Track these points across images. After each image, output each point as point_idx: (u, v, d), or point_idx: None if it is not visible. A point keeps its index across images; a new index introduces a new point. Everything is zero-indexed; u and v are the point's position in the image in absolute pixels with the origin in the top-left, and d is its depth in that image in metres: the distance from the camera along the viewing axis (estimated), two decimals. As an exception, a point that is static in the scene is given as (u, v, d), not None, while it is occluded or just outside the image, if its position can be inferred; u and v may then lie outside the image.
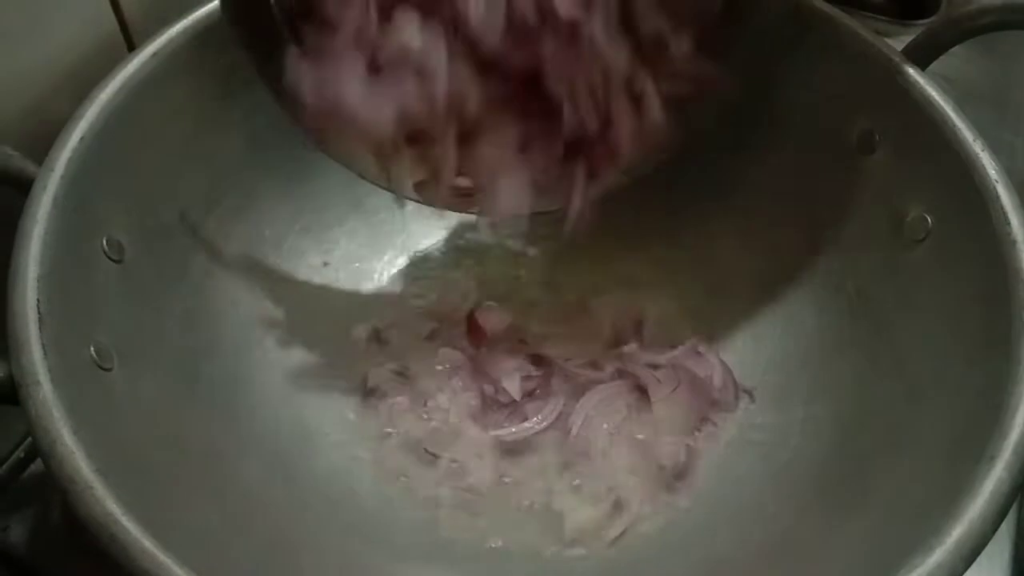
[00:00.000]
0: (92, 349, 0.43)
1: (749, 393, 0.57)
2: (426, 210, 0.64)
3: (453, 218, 0.66)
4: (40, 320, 0.40)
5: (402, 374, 0.59)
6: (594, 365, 0.58)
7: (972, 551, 0.37)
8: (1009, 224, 0.46)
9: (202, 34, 0.53)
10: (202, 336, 0.53)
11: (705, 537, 0.51)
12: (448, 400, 0.57)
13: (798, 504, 0.49)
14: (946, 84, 0.51)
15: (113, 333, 0.45)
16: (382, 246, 0.64)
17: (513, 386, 0.55)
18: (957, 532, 0.37)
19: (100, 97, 0.48)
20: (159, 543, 0.35)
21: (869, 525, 0.44)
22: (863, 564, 0.40)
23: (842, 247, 0.56)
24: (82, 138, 0.47)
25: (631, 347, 0.58)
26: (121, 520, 0.36)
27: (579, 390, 0.56)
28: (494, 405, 0.56)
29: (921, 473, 0.44)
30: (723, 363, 0.59)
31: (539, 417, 0.54)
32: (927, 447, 0.44)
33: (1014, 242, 0.45)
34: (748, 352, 0.60)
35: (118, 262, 0.48)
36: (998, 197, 0.46)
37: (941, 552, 0.37)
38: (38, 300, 0.41)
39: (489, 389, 0.57)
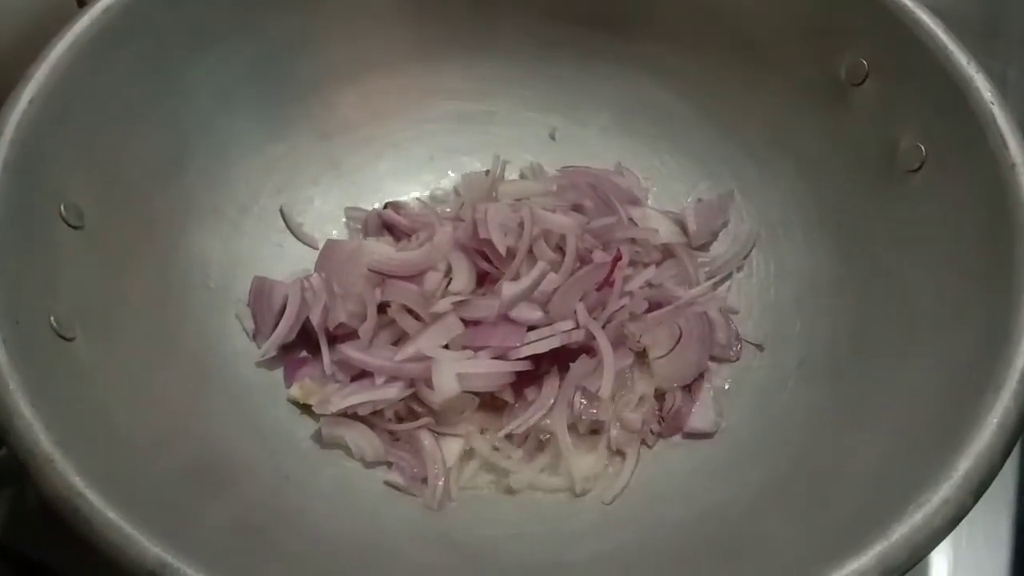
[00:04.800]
0: (52, 319, 0.42)
1: (759, 346, 0.56)
2: (401, 170, 0.64)
3: (428, 177, 0.64)
4: (-7, 290, 0.39)
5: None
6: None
7: (980, 484, 0.36)
8: (1007, 147, 0.44)
9: (158, -12, 0.51)
10: (171, 302, 0.52)
11: (703, 484, 0.50)
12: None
13: (796, 447, 0.48)
14: (937, 12, 0.50)
15: (75, 302, 0.44)
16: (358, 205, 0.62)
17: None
18: (964, 466, 0.36)
19: (50, 57, 0.46)
20: (124, 514, 0.34)
21: (872, 464, 0.42)
22: (868, 504, 0.39)
23: (833, 183, 0.55)
24: (32, 100, 0.45)
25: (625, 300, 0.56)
26: (84, 492, 0.34)
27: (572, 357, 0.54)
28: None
29: (923, 409, 0.42)
30: (726, 317, 0.57)
31: (538, 404, 0.53)
32: (929, 382, 0.43)
33: (1013, 165, 0.44)
34: (741, 297, 0.58)
35: (78, 228, 0.46)
36: (995, 119, 0.45)
37: (948, 486, 0.36)
38: (-10, 269, 0.39)
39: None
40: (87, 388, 0.42)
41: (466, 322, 0.53)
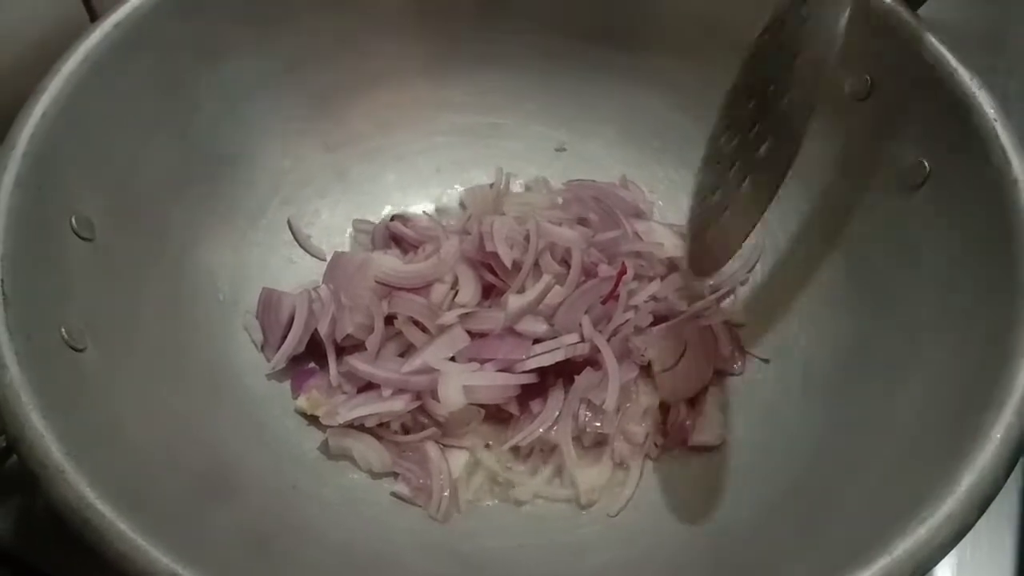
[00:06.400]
0: (63, 330, 0.42)
1: (764, 360, 0.56)
2: (408, 182, 0.64)
3: (435, 190, 0.65)
4: (5, 302, 0.39)
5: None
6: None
7: (984, 499, 0.36)
8: (1010, 163, 0.44)
9: (167, 3, 0.51)
10: (181, 313, 0.52)
11: (707, 496, 0.50)
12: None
13: (801, 462, 0.48)
14: (939, 27, 0.50)
15: (86, 313, 0.44)
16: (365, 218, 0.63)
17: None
18: (968, 480, 0.36)
19: (62, 70, 0.47)
20: (135, 525, 0.34)
21: (876, 478, 0.42)
22: (871, 519, 0.39)
23: (837, 197, 0.55)
24: (44, 113, 0.45)
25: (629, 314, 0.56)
26: (95, 504, 0.35)
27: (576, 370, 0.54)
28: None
29: (927, 423, 0.42)
30: (730, 330, 0.57)
31: (543, 417, 0.53)
32: (932, 396, 0.43)
33: (1015, 181, 0.44)
34: (746, 311, 0.58)
35: (89, 240, 0.46)
36: (997, 136, 0.45)
37: (952, 501, 0.36)
38: (2, 281, 0.39)
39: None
40: (98, 399, 0.42)
41: (472, 334, 0.54)
